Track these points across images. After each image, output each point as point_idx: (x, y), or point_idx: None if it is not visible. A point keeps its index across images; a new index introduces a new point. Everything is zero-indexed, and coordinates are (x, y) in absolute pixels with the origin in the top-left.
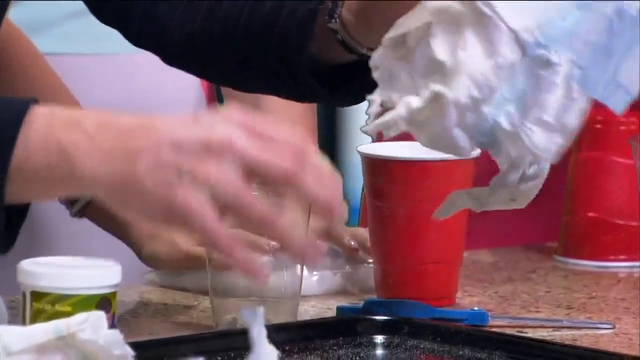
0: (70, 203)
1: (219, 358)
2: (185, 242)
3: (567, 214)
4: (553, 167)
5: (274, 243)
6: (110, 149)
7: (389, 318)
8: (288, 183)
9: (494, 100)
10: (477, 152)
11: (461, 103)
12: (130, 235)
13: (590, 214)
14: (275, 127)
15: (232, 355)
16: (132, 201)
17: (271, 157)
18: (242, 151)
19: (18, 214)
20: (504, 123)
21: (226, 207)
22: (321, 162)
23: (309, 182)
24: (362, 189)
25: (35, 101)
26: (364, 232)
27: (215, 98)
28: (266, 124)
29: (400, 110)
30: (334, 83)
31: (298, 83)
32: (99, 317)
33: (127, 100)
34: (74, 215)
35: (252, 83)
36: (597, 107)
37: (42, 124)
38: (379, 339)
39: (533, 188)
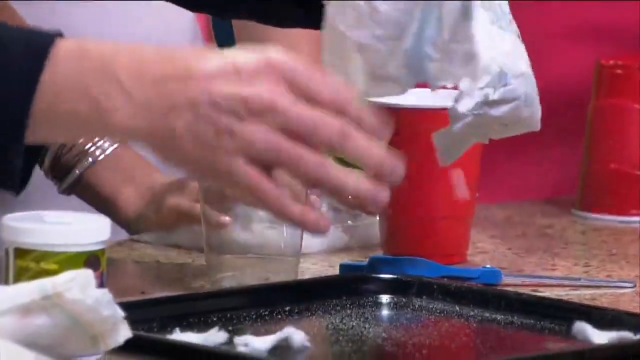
0: (58, 180)
1: (215, 318)
2: (176, 199)
3: (586, 165)
4: (571, 115)
5: None
6: (146, 102)
7: (396, 276)
8: (336, 145)
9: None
10: None
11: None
12: (117, 211)
13: (610, 165)
14: (319, 76)
15: (228, 315)
16: (172, 156)
17: (316, 119)
18: (284, 112)
19: (32, 153)
20: (429, 54)
21: (272, 164)
22: (367, 115)
23: (358, 143)
24: None
25: (60, 34)
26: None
27: (212, 40)
28: (310, 70)
29: None
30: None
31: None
32: (87, 275)
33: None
34: (62, 192)
35: (231, 7)
36: (618, 51)
37: (69, 64)
38: (385, 298)
39: (513, 110)
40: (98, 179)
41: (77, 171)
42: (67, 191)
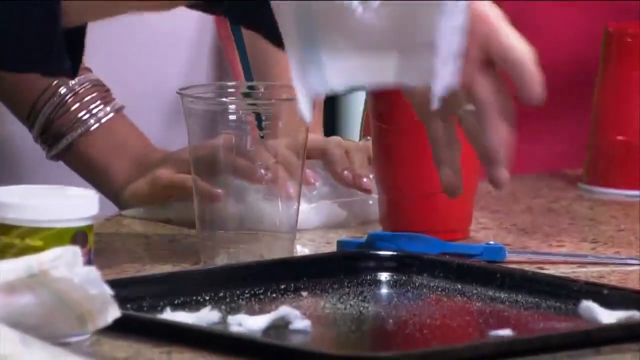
0: (47, 145)
1: (207, 297)
2: (167, 171)
3: (594, 137)
4: (578, 85)
5: (268, 174)
6: None
7: (395, 253)
8: None
9: None
10: None
11: None
12: (108, 181)
13: (619, 138)
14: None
15: (221, 294)
16: None
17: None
18: None
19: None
20: None
21: None
22: None
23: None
24: (364, 108)
25: None
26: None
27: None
28: None
29: None
30: None
31: None
32: (74, 252)
33: (139, 43)
34: (50, 158)
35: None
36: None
37: None
38: (384, 276)
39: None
40: (89, 149)
41: (68, 138)
42: (56, 158)
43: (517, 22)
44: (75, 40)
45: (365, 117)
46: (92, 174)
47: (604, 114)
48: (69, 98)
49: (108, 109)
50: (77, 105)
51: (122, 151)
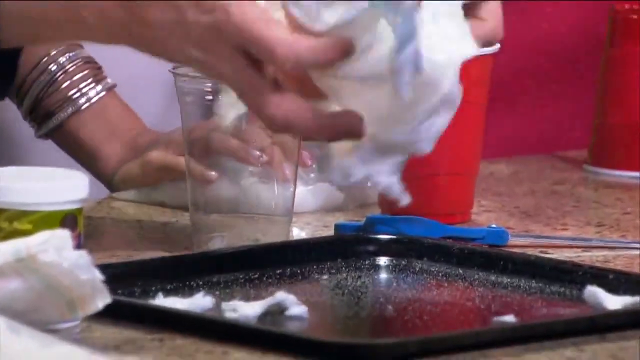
0: (36, 124)
1: (200, 282)
2: (160, 153)
3: (599, 117)
4: (583, 64)
5: (263, 156)
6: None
7: (394, 237)
8: None
9: None
10: (496, 46)
11: None
12: (98, 163)
13: (625, 118)
14: None
15: (215, 279)
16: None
17: None
18: None
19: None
20: None
21: None
22: None
23: None
24: None
25: None
26: None
27: None
28: None
29: None
30: None
31: None
32: (64, 236)
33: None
34: (39, 137)
35: None
36: None
37: None
38: (383, 261)
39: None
40: (80, 128)
41: (58, 118)
42: (45, 137)
43: (522, 4)
44: (6, 61)
45: None
46: (83, 155)
47: (610, 94)
48: (59, 76)
49: (99, 87)
50: (67, 83)
51: (113, 132)
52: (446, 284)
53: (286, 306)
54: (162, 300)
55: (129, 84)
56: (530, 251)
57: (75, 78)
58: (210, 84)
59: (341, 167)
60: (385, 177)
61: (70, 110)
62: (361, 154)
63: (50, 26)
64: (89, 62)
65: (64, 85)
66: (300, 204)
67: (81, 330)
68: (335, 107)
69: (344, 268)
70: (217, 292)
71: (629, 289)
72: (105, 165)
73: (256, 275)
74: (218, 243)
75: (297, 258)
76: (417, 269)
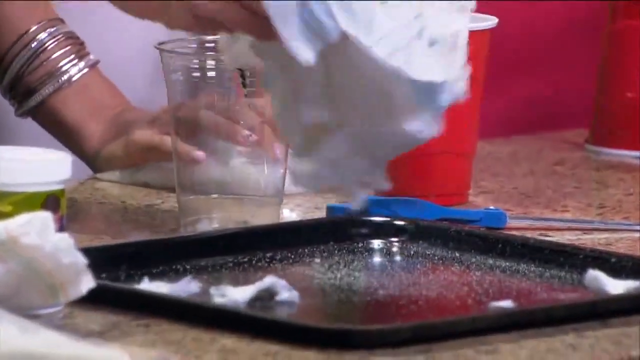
0: (16, 102)
1: (187, 266)
2: (145, 132)
3: (601, 94)
4: (585, 40)
5: (253, 135)
6: None
7: (389, 219)
8: None
9: None
10: (493, 21)
11: None
12: (81, 143)
13: (628, 94)
14: None
15: (202, 263)
16: None
17: None
18: None
19: None
20: None
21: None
22: None
23: None
24: None
25: None
26: None
27: None
28: None
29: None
30: None
31: None
32: (45, 218)
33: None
34: (19, 115)
35: None
36: None
37: None
38: (377, 243)
39: None
40: (62, 106)
41: (39, 96)
42: (25, 115)
43: None
44: None
45: None
46: (65, 134)
47: (612, 70)
48: (40, 52)
49: (82, 64)
50: (48, 59)
51: (96, 110)
52: (442, 268)
53: (276, 291)
54: (147, 285)
55: (113, 60)
56: (529, 234)
57: (56, 54)
58: (197, 61)
59: (310, 171)
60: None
61: (51, 87)
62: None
63: None
64: (71, 37)
65: (45, 62)
66: (290, 184)
67: (64, 316)
68: None
69: (336, 251)
70: (205, 277)
71: (632, 272)
72: (88, 144)
73: (245, 259)
74: (206, 225)
75: (287, 241)
76: (412, 252)
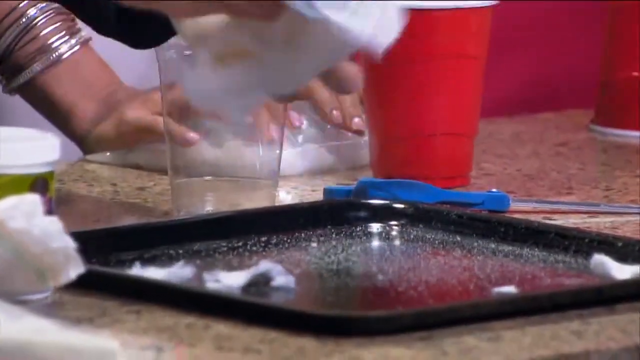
0: (4, 78)
1: (180, 251)
2: (137, 112)
3: (606, 73)
4: (590, 15)
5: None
6: None
7: (388, 202)
8: None
9: None
10: None
11: None
12: (71, 122)
13: (634, 73)
14: None
15: (195, 248)
16: None
17: None
18: None
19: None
20: None
21: None
22: None
23: None
24: None
25: None
26: (349, 97)
27: None
28: None
29: None
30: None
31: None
32: (33, 201)
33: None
34: (7, 91)
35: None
36: None
37: None
38: (376, 227)
39: None
40: (52, 84)
41: (28, 73)
42: (14, 92)
43: None
44: None
45: None
46: (55, 113)
47: (617, 48)
48: (30, 27)
49: (73, 41)
50: (38, 35)
51: (88, 88)
52: (443, 253)
53: (272, 276)
54: (139, 270)
55: (105, 37)
56: (533, 217)
57: (47, 30)
58: None
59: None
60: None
61: (41, 64)
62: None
63: None
64: (62, 13)
65: (35, 38)
66: (287, 166)
67: (52, 302)
68: None
69: (333, 235)
70: (198, 262)
71: (639, 257)
72: (79, 124)
73: (240, 244)
74: (199, 209)
75: (283, 225)
76: (412, 236)
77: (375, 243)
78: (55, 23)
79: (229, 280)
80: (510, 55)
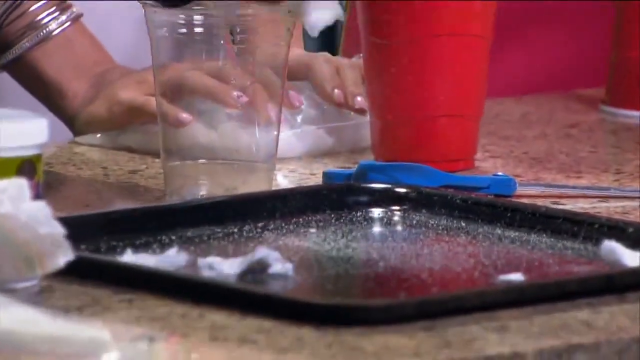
0: None
1: (173, 237)
2: (129, 92)
3: (617, 52)
4: None
5: (243, 96)
6: None
7: (390, 186)
8: None
9: None
10: None
11: None
12: (61, 102)
13: None
14: None
15: (189, 234)
16: None
17: None
18: None
19: None
20: None
21: None
22: None
23: None
24: (344, 20)
25: None
26: (351, 76)
27: None
28: None
29: None
30: None
31: None
32: (20, 185)
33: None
34: None
35: None
36: None
37: None
38: (377, 212)
39: None
40: (42, 61)
41: (17, 50)
42: (2, 69)
43: None
44: None
45: (346, 32)
46: (44, 91)
47: (628, 27)
48: (19, 3)
49: (64, 17)
50: (27, 11)
51: (79, 67)
52: (447, 239)
53: (269, 263)
54: (130, 257)
55: (97, 14)
56: (540, 202)
57: (36, 6)
58: (183, 15)
59: None
60: None
61: (30, 41)
62: None
63: None
64: None
65: (24, 14)
66: (284, 149)
67: (40, 291)
68: None
69: (333, 221)
70: (192, 248)
71: None
72: (69, 103)
73: (235, 229)
74: (193, 193)
75: (280, 210)
76: (415, 221)
77: (377, 229)
78: None
79: (224, 267)
80: (518, 33)
